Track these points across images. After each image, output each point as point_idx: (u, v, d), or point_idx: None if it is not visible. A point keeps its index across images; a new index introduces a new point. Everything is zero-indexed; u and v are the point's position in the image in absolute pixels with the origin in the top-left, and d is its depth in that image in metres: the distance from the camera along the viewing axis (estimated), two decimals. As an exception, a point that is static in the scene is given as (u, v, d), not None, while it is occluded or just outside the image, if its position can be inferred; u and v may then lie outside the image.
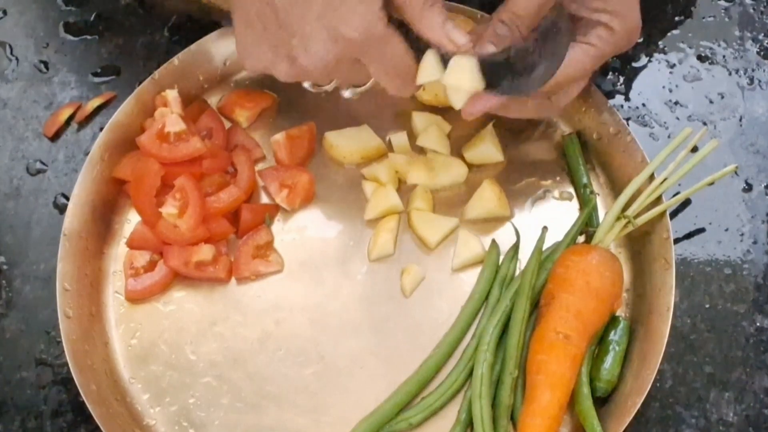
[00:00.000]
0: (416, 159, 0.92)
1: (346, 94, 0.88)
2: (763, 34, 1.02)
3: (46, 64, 1.01)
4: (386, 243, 0.89)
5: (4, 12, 1.04)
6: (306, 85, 0.88)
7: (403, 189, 0.92)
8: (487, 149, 0.92)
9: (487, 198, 0.90)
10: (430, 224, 0.90)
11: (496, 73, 0.76)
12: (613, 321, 0.84)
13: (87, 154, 0.90)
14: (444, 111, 0.94)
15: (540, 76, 0.76)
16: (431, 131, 0.93)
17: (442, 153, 0.92)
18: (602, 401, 0.82)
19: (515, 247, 0.89)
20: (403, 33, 0.75)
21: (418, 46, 0.75)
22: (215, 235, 0.89)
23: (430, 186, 0.92)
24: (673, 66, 1.00)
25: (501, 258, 0.89)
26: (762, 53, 1.01)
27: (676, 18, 1.03)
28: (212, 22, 0.98)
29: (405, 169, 0.92)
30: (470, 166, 0.93)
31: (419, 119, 0.94)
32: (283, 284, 0.89)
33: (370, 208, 0.91)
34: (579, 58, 0.79)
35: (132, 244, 0.90)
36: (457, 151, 0.93)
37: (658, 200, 0.87)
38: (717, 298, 0.89)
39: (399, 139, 0.94)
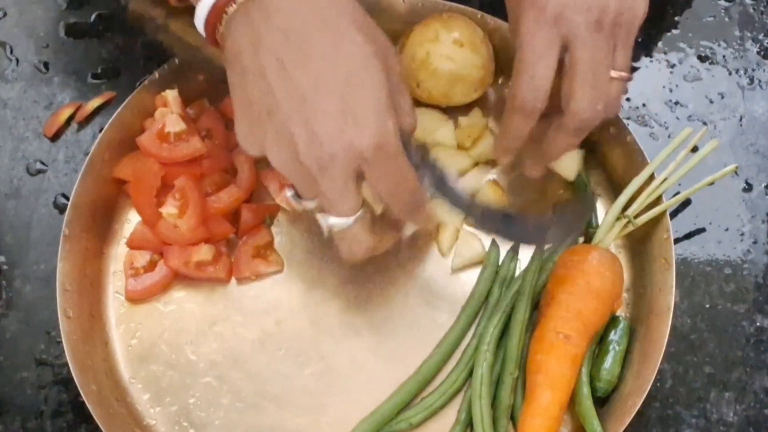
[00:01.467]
0: None
1: (332, 221, 0.75)
2: (763, 34, 1.02)
3: (46, 64, 1.01)
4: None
5: (4, 12, 1.04)
6: (288, 194, 0.77)
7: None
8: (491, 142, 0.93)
9: (490, 200, 0.90)
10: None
11: (505, 221, 0.78)
12: (613, 321, 0.84)
13: (87, 154, 0.90)
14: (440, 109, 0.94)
15: (548, 238, 0.80)
16: (435, 126, 0.93)
17: (447, 145, 0.93)
18: (602, 401, 0.82)
19: (515, 248, 0.89)
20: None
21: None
22: (215, 235, 0.89)
23: None
24: (673, 66, 1.00)
25: (501, 258, 0.89)
26: (762, 53, 1.01)
27: (676, 18, 1.03)
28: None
29: None
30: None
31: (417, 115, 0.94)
32: (284, 284, 0.89)
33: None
34: None
35: (132, 244, 0.90)
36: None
37: (658, 200, 0.87)
38: (717, 298, 0.89)
39: None
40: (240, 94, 0.69)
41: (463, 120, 0.93)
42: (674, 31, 1.02)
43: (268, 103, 0.67)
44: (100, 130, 0.92)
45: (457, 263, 0.89)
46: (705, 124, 0.97)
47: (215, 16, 0.71)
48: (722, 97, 0.99)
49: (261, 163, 0.94)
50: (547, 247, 0.87)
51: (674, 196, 0.88)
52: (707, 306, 0.89)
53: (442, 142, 0.93)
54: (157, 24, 0.87)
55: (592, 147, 0.93)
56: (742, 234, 0.92)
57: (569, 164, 0.89)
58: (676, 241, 0.89)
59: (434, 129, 0.93)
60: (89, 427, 0.83)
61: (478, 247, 0.89)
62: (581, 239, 0.89)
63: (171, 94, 0.92)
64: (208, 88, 0.96)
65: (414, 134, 0.74)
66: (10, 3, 1.04)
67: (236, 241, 0.90)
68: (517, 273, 0.88)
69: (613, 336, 0.83)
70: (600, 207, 0.91)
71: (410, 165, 0.71)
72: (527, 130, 0.78)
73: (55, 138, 0.97)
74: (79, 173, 0.88)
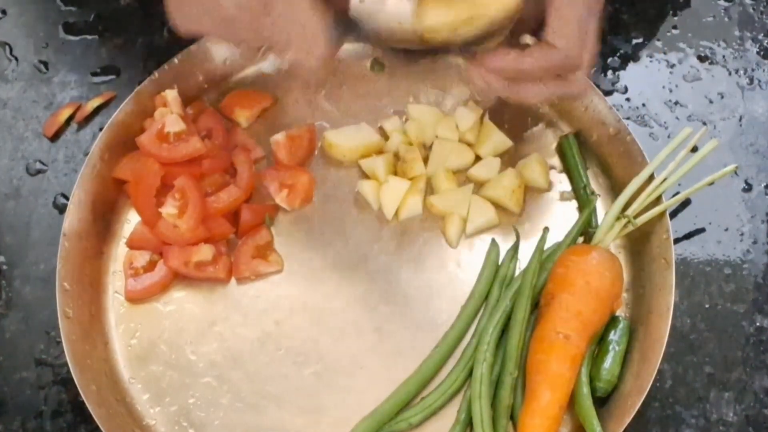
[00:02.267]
0: (413, 148, 0.93)
1: (267, 67, 0.82)
2: (762, 34, 1.02)
3: (45, 64, 1.01)
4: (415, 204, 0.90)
5: (4, 12, 1.04)
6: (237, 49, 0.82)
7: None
8: (497, 137, 0.93)
9: (506, 185, 0.90)
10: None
11: None
12: (613, 321, 0.84)
13: (87, 154, 0.90)
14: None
15: None
16: (435, 120, 0.93)
17: (450, 139, 0.93)
18: (602, 401, 0.82)
19: (515, 247, 0.89)
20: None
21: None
22: (215, 235, 0.89)
23: (435, 171, 0.92)
24: (673, 66, 1.00)
25: (501, 258, 0.89)
26: (762, 53, 1.01)
27: (676, 18, 1.03)
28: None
29: (407, 156, 0.92)
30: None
31: (415, 111, 0.95)
32: (283, 284, 0.89)
33: (387, 206, 0.91)
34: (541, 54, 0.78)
35: (132, 244, 0.90)
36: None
37: (657, 200, 0.87)
38: (717, 297, 0.89)
39: (392, 124, 0.94)
40: None
41: (461, 114, 0.93)
42: (674, 31, 1.02)
43: None
44: (100, 130, 0.92)
45: (471, 229, 0.90)
46: (705, 124, 0.97)
47: None
48: (722, 97, 0.99)
49: (260, 164, 0.94)
50: (547, 246, 0.87)
51: (674, 196, 0.88)
52: (707, 306, 0.89)
53: (443, 136, 0.93)
54: None
55: (591, 147, 0.93)
56: (742, 234, 0.92)
57: None
58: (676, 241, 0.89)
59: (435, 123, 0.93)
60: (89, 427, 0.84)
61: (491, 212, 0.90)
62: (581, 239, 0.89)
63: (171, 94, 0.92)
64: (208, 88, 0.97)
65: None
66: (10, 3, 1.04)
67: (236, 241, 0.90)
68: (517, 273, 0.88)
69: (613, 336, 0.84)
70: (600, 207, 0.91)
71: (310, 3, 0.71)
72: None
73: (54, 138, 0.97)
74: (79, 173, 0.88)
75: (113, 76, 1.00)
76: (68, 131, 0.97)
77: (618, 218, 0.86)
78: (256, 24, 0.74)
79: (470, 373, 0.83)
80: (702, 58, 1.00)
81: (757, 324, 0.88)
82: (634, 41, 1.01)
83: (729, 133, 0.97)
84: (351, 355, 0.86)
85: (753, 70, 1.00)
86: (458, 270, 0.89)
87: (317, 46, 0.75)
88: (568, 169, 0.93)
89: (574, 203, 0.92)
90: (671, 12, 1.03)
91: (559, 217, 0.91)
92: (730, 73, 1.00)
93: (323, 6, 0.73)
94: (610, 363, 0.82)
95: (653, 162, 0.87)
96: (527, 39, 0.79)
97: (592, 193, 0.91)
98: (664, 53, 1.01)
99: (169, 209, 0.87)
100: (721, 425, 0.84)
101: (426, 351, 0.85)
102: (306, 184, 0.91)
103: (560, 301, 0.81)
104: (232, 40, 0.83)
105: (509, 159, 0.94)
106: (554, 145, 0.94)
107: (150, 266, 0.88)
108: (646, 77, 0.99)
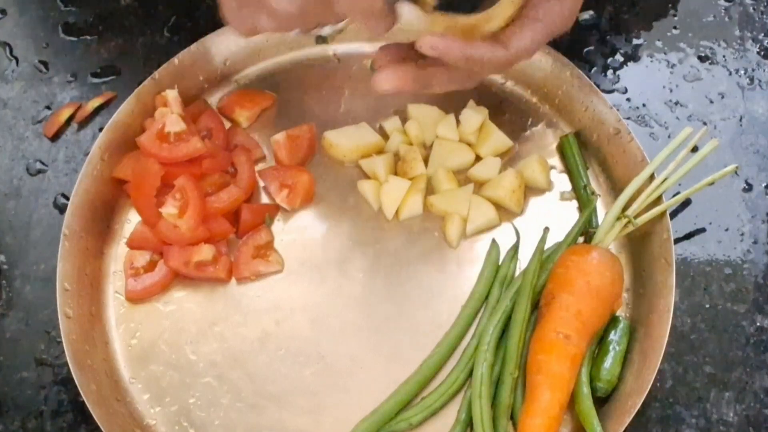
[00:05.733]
0: (413, 148, 0.93)
1: (325, 30, 0.82)
2: (763, 34, 1.02)
3: (46, 64, 1.01)
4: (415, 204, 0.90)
5: (4, 12, 1.04)
6: (293, 33, 0.82)
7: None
8: (497, 137, 0.93)
9: (506, 185, 0.90)
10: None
11: None
12: (613, 321, 0.84)
13: (87, 154, 0.90)
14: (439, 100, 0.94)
15: None
16: (436, 120, 0.94)
17: (450, 139, 0.93)
18: (602, 401, 0.82)
19: (515, 247, 0.89)
20: None
21: None
22: (215, 235, 0.89)
23: (435, 171, 0.92)
24: (673, 66, 1.00)
25: (501, 258, 0.89)
26: (762, 53, 1.01)
27: (676, 18, 1.03)
28: (212, 22, 0.98)
29: (407, 156, 0.92)
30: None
31: (415, 111, 0.95)
32: (283, 284, 0.89)
33: (387, 206, 0.91)
34: (529, 34, 0.77)
35: (132, 244, 0.90)
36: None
37: (658, 200, 0.87)
38: (717, 298, 0.89)
39: (392, 124, 0.95)
40: None
41: (466, 116, 0.93)
42: (674, 31, 1.02)
43: None
44: (100, 130, 0.92)
45: (471, 229, 0.90)
46: (705, 124, 0.97)
47: None
48: (722, 97, 0.99)
49: (260, 164, 0.94)
50: (547, 246, 0.87)
51: (674, 196, 0.88)
52: (707, 306, 0.89)
53: (443, 136, 0.93)
54: None
55: (592, 147, 0.93)
56: (742, 234, 0.92)
57: None
58: (676, 241, 0.89)
59: (435, 123, 0.93)
60: (89, 427, 0.83)
61: (491, 211, 0.90)
62: (581, 239, 0.89)
63: (171, 94, 0.92)
64: (208, 88, 0.97)
65: None
66: (10, 3, 1.04)
67: (236, 241, 0.90)
68: (517, 273, 0.88)
69: (613, 336, 0.84)
70: (600, 207, 0.91)
71: None
72: None
73: (55, 138, 0.97)
74: (79, 173, 0.88)
75: (113, 77, 1.00)
76: (68, 131, 0.97)
77: (618, 218, 0.86)
78: (324, 11, 0.75)
79: (470, 373, 0.83)
80: (702, 58, 1.00)
81: (758, 324, 0.88)
82: (634, 41, 1.01)
83: (729, 133, 0.97)
84: (351, 355, 0.86)
85: (753, 70, 1.00)
86: (458, 270, 0.89)
87: (384, 21, 0.75)
88: (568, 169, 0.93)
89: (574, 203, 0.92)
90: (672, 12, 1.03)
91: (559, 217, 0.91)
92: (730, 73, 1.00)
93: None
94: (610, 363, 0.82)
95: (653, 162, 0.87)
96: None
97: (593, 193, 0.91)
98: (665, 53, 1.01)
99: (169, 209, 0.87)
100: (722, 425, 0.84)
101: (426, 351, 0.85)
102: (306, 184, 0.91)
103: (560, 301, 0.81)
104: (295, 28, 0.82)
105: (509, 159, 0.94)
106: (554, 145, 0.94)
107: (150, 266, 0.88)
108: (646, 77, 0.99)
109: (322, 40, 0.88)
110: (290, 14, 0.75)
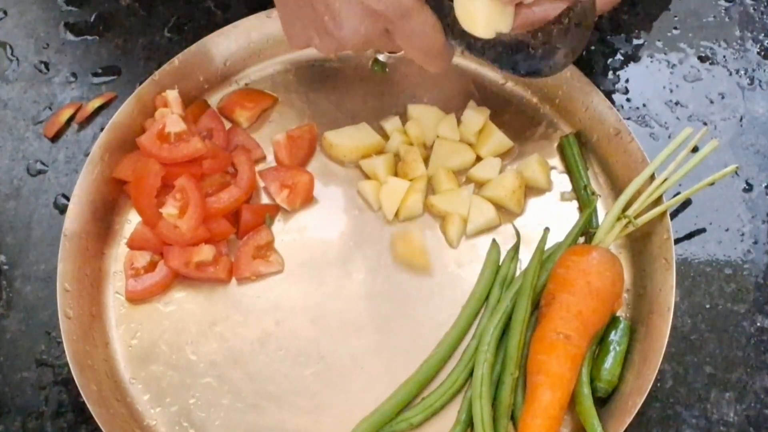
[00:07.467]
0: (413, 149, 0.93)
1: (382, 57, 0.88)
2: (763, 34, 1.02)
3: (46, 64, 1.01)
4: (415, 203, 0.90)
5: (5, 12, 1.04)
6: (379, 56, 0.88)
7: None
8: (498, 137, 0.93)
9: (507, 185, 0.90)
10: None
11: (515, 48, 0.74)
12: (613, 321, 0.84)
13: (87, 154, 0.90)
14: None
15: (555, 64, 0.75)
16: (436, 120, 0.94)
17: (450, 139, 0.93)
18: (603, 401, 0.82)
19: (516, 248, 0.89)
20: (434, 7, 0.74)
21: (447, 21, 0.75)
22: (216, 236, 0.89)
23: (435, 171, 0.92)
24: (673, 66, 1.00)
25: (501, 258, 0.89)
26: (762, 53, 1.01)
27: (676, 18, 1.03)
28: (212, 22, 0.99)
29: (407, 156, 0.92)
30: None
31: (415, 111, 0.95)
32: (284, 284, 0.89)
33: (387, 207, 0.91)
34: None
35: (132, 245, 0.90)
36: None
37: (658, 200, 0.87)
38: (717, 298, 0.89)
39: (392, 124, 0.95)
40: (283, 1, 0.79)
41: (468, 116, 0.94)
42: (674, 31, 1.02)
43: None
44: (101, 131, 0.92)
45: (471, 229, 0.90)
46: (705, 124, 0.97)
47: None
48: (722, 98, 0.99)
49: (260, 164, 0.94)
50: (547, 246, 0.87)
51: (674, 196, 0.88)
52: (707, 306, 0.89)
53: (444, 136, 0.93)
54: None
55: (592, 147, 0.93)
56: (743, 234, 0.92)
57: None
58: (677, 241, 0.89)
59: (435, 123, 0.93)
60: (89, 427, 0.84)
61: (491, 212, 0.90)
62: (581, 239, 0.89)
63: (171, 94, 0.92)
64: (208, 88, 0.97)
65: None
66: (11, 3, 1.04)
67: (237, 241, 0.90)
68: (518, 273, 0.88)
69: (614, 336, 0.83)
70: (600, 207, 0.91)
71: (433, 20, 0.73)
72: None
73: (55, 138, 0.97)
74: (80, 173, 0.88)
75: (114, 77, 1.00)
76: (69, 131, 0.97)
77: (618, 218, 0.86)
78: (383, 42, 0.78)
79: (471, 374, 0.83)
80: (702, 59, 1.00)
81: (758, 324, 0.88)
82: (635, 41, 1.01)
83: (729, 134, 0.97)
84: (351, 355, 0.86)
85: (753, 70, 1.00)
86: (458, 270, 0.89)
87: (441, 58, 0.78)
88: (568, 170, 0.93)
89: (574, 203, 0.92)
90: (672, 12, 1.03)
91: (559, 217, 0.91)
92: (730, 74, 1.00)
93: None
94: (610, 363, 0.82)
95: (654, 162, 0.87)
96: None
97: (593, 193, 0.91)
98: (665, 53, 1.01)
99: (169, 209, 0.87)
100: (722, 425, 0.84)
101: (426, 351, 0.85)
102: (306, 184, 0.91)
103: (561, 302, 0.81)
104: (350, 51, 0.84)
105: (510, 159, 0.94)
106: (555, 145, 0.94)
107: (150, 266, 0.88)
108: (646, 77, 0.99)
109: (379, 66, 0.89)
110: (350, 42, 0.76)
